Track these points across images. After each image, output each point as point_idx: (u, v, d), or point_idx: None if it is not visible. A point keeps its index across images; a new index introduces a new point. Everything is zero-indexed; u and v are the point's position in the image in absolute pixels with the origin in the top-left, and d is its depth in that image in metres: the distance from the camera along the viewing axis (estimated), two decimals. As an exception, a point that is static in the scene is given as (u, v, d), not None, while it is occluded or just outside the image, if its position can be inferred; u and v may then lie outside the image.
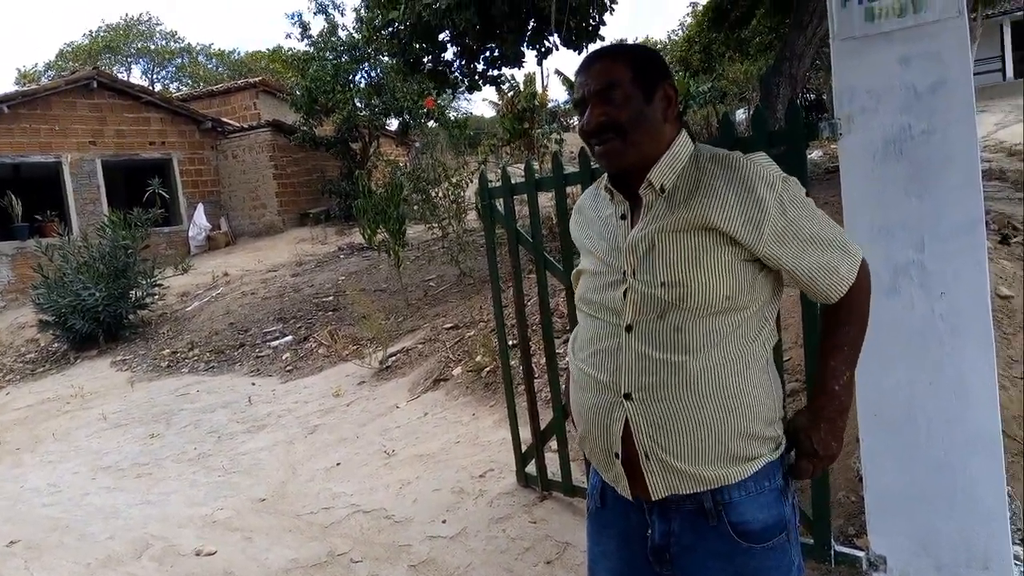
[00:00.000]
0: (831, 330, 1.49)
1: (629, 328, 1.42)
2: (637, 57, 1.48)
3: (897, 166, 2.17)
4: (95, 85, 14.81)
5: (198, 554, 3.58)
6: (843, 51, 2.24)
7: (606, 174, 1.56)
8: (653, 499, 1.43)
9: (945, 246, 2.13)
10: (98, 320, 9.64)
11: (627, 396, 1.41)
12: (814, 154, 11.19)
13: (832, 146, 8.98)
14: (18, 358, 10.18)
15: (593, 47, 8.83)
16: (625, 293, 1.43)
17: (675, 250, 1.40)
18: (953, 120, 2.11)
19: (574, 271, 1.67)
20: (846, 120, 2.23)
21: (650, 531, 1.47)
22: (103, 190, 14.82)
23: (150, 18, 36.32)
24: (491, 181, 3.82)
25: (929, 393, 2.18)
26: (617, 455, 1.44)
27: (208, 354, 8.54)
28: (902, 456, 2.24)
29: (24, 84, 30.49)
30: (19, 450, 5.96)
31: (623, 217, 1.50)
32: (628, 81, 1.43)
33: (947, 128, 2.11)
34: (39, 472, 5.31)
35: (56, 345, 10.20)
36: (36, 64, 35.55)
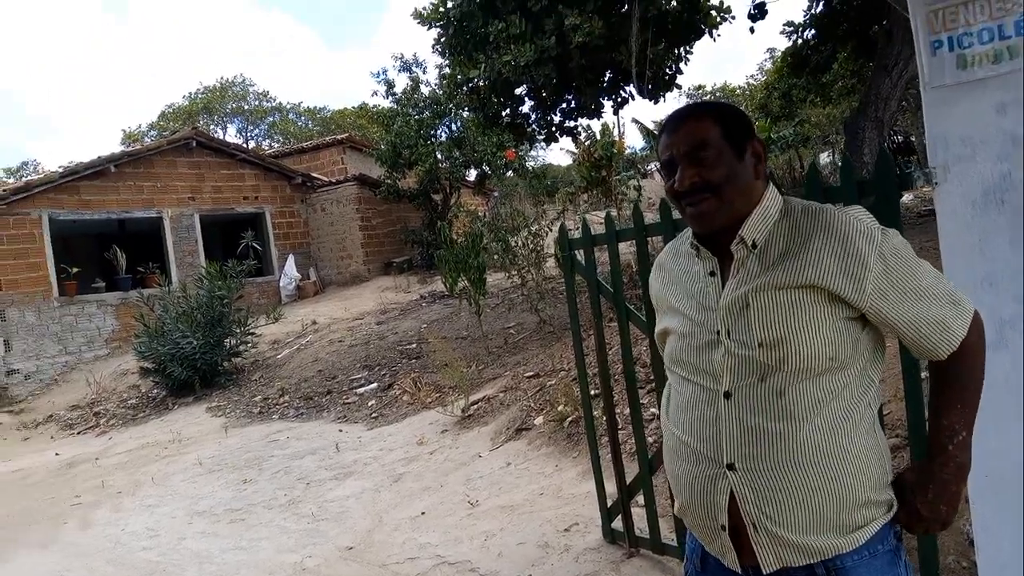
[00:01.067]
0: (943, 387, 1.42)
1: (728, 395, 1.38)
2: (725, 115, 1.46)
3: (998, 215, 2.09)
4: (194, 144, 15.72)
5: (288, 602, 3.65)
6: (935, 99, 2.19)
7: (689, 229, 1.53)
8: (764, 572, 1.38)
9: (1055, 297, 2.03)
10: (195, 367, 10.09)
11: (730, 467, 1.37)
12: (905, 198, 10.83)
13: (924, 189, 8.69)
14: (121, 403, 10.72)
15: (670, 96, 8.87)
16: (721, 355, 1.40)
17: (772, 309, 1.36)
18: (1057, 167, 2.02)
19: (657, 331, 1.63)
20: (942, 169, 2.17)
21: None
22: (200, 243, 15.61)
23: (244, 80, 38.27)
24: (570, 230, 3.85)
25: (1044, 454, 2.06)
26: (723, 527, 1.40)
27: (298, 400, 8.79)
28: (1017, 521, 2.11)
29: (129, 144, 32.61)
30: (120, 494, 6.23)
31: (712, 274, 1.46)
32: (718, 139, 1.41)
33: (1051, 175, 2.03)
34: (138, 516, 5.54)
35: (156, 391, 10.70)
36: (140, 125, 37.98)
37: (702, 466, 1.42)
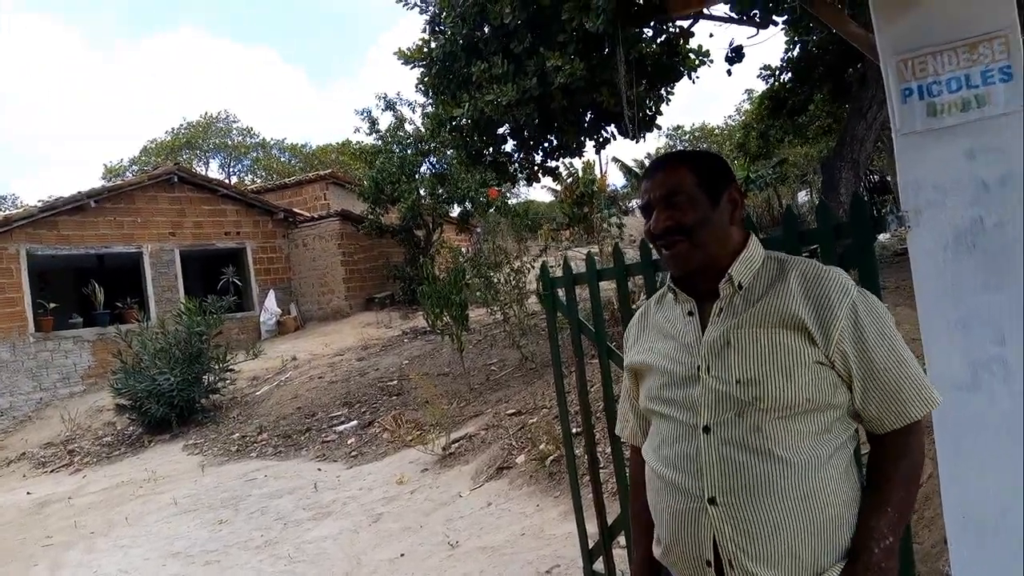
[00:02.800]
0: (878, 483, 1.40)
1: (707, 429, 1.41)
2: (701, 163, 1.52)
3: (970, 259, 2.13)
4: (175, 180, 15.69)
5: (263, 647, 3.57)
6: (906, 146, 2.25)
7: (667, 284, 1.59)
8: None
9: (1027, 339, 2.07)
10: (172, 404, 9.94)
11: (711, 500, 1.39)
12: (881, 237, 11.01)
13: (900, 229, 8.84)
14: (95, 441, 10.52)
15: (651, 136, 8.99)
16: (700, 390, 1.43)
17: (752, 347, 1.40)
18: (1026, 212, 2.07)
19: (627, 371, 1.67)
20: (914, 213, 2.21)
21: None
22: (180, 278, 15.49)
23: (227, 115, 38.40)
24: (552, 267, 3.87)
25: (1021, 495, 2.07)
26: (709, 563, 1.41)
27: (276, 439, 8.67)
28: (996, 563, 2.11)
29: (110, 179, 32.47)
30: (93, 534, 6.09)
31: (691, 314, 1.51)
32: (693, 186, 1.47)
33: (1020, 220, 2.08)
34: (111, 557, 5.41)
35: (131, 428, 10.52)
36: (121, 159, 37.80)
37: (684, 501, 1.43)
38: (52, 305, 13.34)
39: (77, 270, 15.87)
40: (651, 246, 1.56)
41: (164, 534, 5.79)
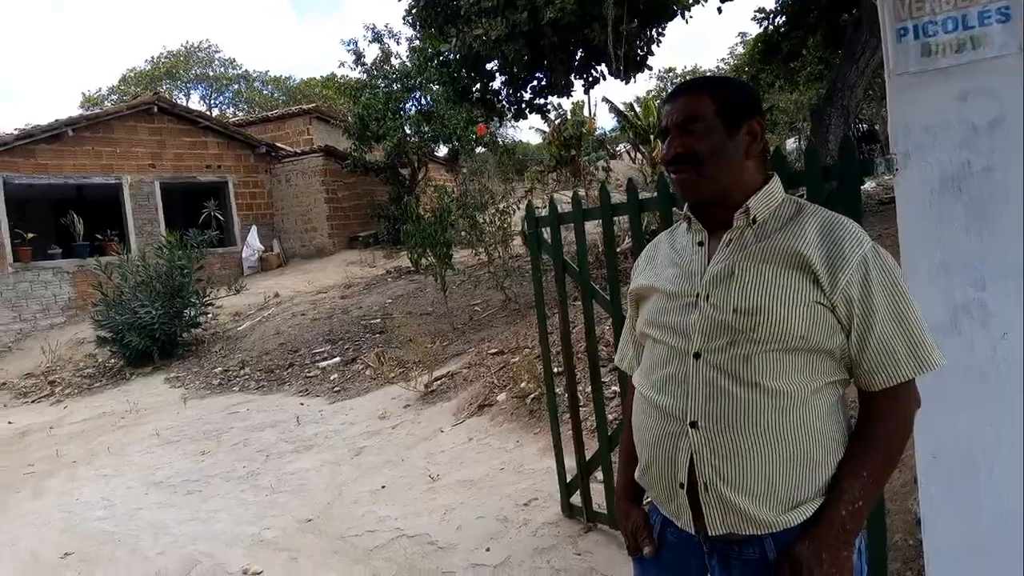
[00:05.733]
0: (859, 447, 1.39)
1: (697, 355, 1.42)
2: (723, 91, 1.49)
3: (956, 203, 2.13)
4: (155, 110, 15.35)
5: (245, 573, 3.64)
6: (899, 87, 2.22)
7: (684, 212, 1.58)
8: (710, 534, 1.40)
9: (1007, 285, 2.08)
10: (153, 337, 9.93)
11: (693, 424, 1.40)
12: (867, 185, 11.01)
13: (886, 177, 8.83)
14: (77, 372, 10.51)
15: (641, 77, 8.86)
16: (696, 317, 1.44)
17: (754, 279, 1.39)
18: (1013, 157, 2.06)
19: (631, 295, 1.67)
20: (902, 156, 2.20)
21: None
22: (160, 211, 15.30)
23: (209, 45, 37.38)
24: (537, 208, 3.85)
25: (991, 438, 2.12)
26: (682, 484, 1.42)
27: (258, 373, 8.71)
28: (963, 503, 2.17)
29: (88, 108, 31.73)
30: (75, 463, 6.13)
31: (700, 244, 1.51)
32: (711, 114, 1.45)
33: (1007, 165, 2.07)
34: (94, 486, 5.45)
35: (113, 361, 10.51)
36: (100, 88, 36.90)
37: (667, 423, 1.45)
38: (30, 235, 13.14)
39: (55, 201, 15.60)
40: (665, 173, 1.54)
41: (146, 464, 5.84)
